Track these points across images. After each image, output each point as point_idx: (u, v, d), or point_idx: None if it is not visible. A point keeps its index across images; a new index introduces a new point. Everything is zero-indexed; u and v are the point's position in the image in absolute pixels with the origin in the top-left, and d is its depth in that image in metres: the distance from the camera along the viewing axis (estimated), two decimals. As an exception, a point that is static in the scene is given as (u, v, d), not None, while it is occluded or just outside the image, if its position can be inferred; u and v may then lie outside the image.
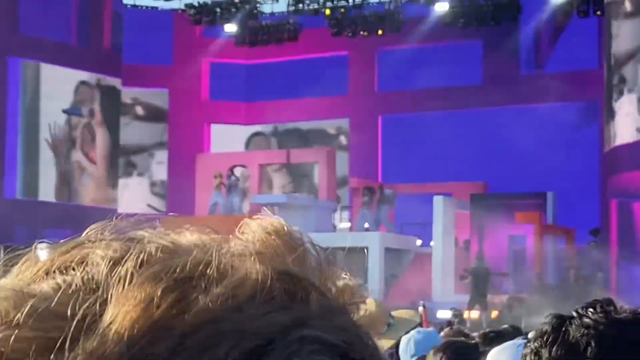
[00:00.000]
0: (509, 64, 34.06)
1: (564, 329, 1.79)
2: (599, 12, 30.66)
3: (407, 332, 4.77)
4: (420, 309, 10.55)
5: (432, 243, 29.20)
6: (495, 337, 6.25)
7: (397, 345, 4.83)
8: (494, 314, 25.17)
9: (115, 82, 34.64)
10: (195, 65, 38.37)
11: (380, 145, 36.79)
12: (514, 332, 7.33)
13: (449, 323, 17.83)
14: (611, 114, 27.21)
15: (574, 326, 1.79)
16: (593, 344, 1.74)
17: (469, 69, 34.53)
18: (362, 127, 36.29)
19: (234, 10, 34.90)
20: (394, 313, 4.84)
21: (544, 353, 1.78)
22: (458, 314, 24.47)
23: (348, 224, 31.43)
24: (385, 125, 36.74)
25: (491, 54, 34.33)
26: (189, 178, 34.95)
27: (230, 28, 35.59)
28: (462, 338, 5.66)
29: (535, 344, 1.81)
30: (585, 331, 1.77)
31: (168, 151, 38.04)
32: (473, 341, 5.28)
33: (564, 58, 33.19)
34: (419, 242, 30.61)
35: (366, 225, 30.44)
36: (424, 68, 34.62)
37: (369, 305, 2.95)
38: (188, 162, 36.00)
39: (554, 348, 1.77)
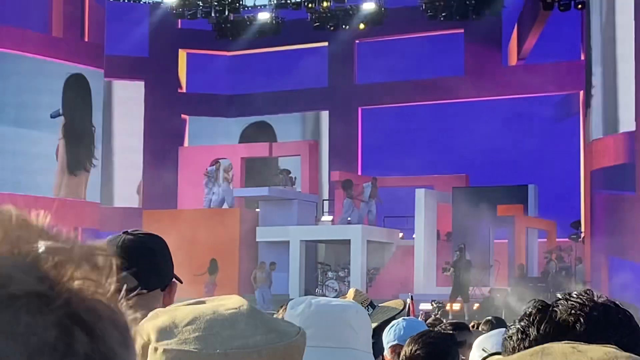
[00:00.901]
0: (491, 54, 33.95)
1: (550, 309, 1.83)
2: (580, 6, 30.78)
3: (389, 319, 4.80)
4: (408, 300, 10.58)
5: (414, 236, 29.30)
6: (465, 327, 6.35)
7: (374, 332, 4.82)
8: (476, 305, 25.32)
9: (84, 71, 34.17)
10: (172, 56, 37.79)
11: (360, 137, 36.60)
12: (498, 323, 7.44)
13: (427, 315, 17.94)
14: (591, 105, 27.30)
15: (560, 307, 1.83)
16: (582, 320, 1.79)
17: (450, 60, 34.29)
18: (341, 119, 36.10)
19: (215, 3, 34.83)
20: (381, 305, 4.87)
21: (532, 331, 1.81)
22: (440, 306, 24.62)
23: (330, 217, 31.47)
24: (365, 118, 36.57)
25: (473, 44, 34.18)
26: (166, 171, 34.58)
27: (212, 21, 35.49)
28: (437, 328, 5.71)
29: (522, 324, 1.84)
30: (573, 311, 1.81)
31: (143, 143, 37.07)
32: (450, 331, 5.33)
33: (547, 49, 33.04)
34: (401, 234, 30.72)
35: (348, 218, 30.52)
36: (405, 59, 34.41)
37: (349, 294, 3.05)
38: (164, 154, 35.74)
39: (542, 325, 1.80)
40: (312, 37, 35.36)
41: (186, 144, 37.81)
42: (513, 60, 34.68)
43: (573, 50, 31.78)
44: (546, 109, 33.19)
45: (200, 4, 34.89)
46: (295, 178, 31.54)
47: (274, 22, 34.98)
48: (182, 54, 38.44)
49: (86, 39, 34.53)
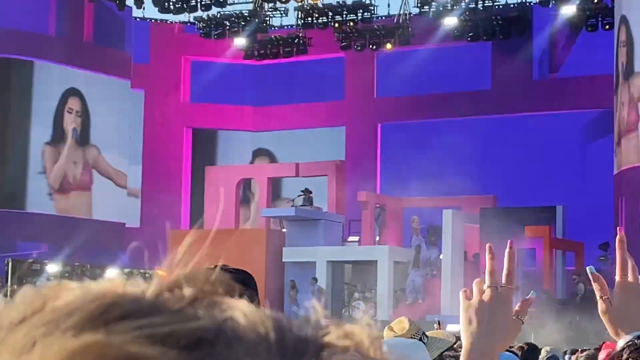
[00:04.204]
0: (520, 67, 32.74)
1: None
2: (607, 27, 30.59)
3: (441, 352, 4.67)
4: (436, 325, 10.46)
5: (441, 256, 29.12)
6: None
7: None
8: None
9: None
10: (173, 64, 36.44)
11: (379, 155, 35.55)
12: (531, 349, 7.34)
13: (457, 337, 17.73)
14: (621, 130, 27.02)
15: None
16: None
17: (477, 73, 33.16)
18: (359, 136, 35.07)
19: (243, 23, 34.94)
20: (427, 334, 4.74)
21: None
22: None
23: (357, 238, 31.33)
24: (385, 134, 35.53)
25: (501, 56, 32.96)
26: (165, 186, 34.12)
27: (240, 41, 35.52)
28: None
29: None
30: None
31: (142, 158, 35.68)
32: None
33: (582, 61, 31.78)
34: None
35: (377, 238, 30.40)
36: (428, 71, 33.20)
37: (402, 324, 2.97)
38: (165, 170, 35.02)
39: None
40: (329, 47, 34.29)
41: (189, 157, 36.68)
42: (545, 73, 33.56)
43: (610, 63, 29.38)
44: (579, 126, 32.52)
45: (227, 24, 35.00)
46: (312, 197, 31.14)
47: (301, 41, 34.95)
48: (185, 61, 37.17)
49: (119, 49, 34.49)
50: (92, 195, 33.96)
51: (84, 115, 33.84)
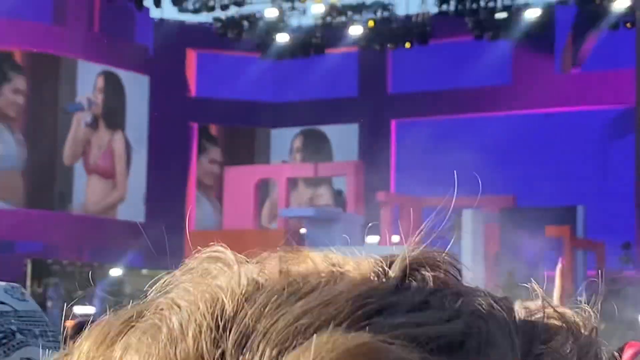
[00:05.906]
0: (542, 60, 32.10)
1: None
2: (628, 25, 30.30)
3: None
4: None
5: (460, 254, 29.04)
6: None
7: None
8: (524, 328, 24.98)
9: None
10: (179, 55, 35.55)
11: (393, 153, 34.94)
12: None
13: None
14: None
15: None
16: None
17: (496, 67, 32.30)
18: (372, 133, 34.37)
19: (261, 23, 34.87)
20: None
21: None
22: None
23: (377, 238, 31.19)
24: (400, 131, 34.98)
25: (522, 49, 32.14)
26: (173, 185, 33.57)
27: (258, 42, 35.42)
28: None
29: None
30: None
31: (148, 153, 34.32)
32: None
33: (608, 54, 30.99)
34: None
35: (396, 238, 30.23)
36: (444, 65, 32.62)
37: None
38: (171, 166, 34.17)
39: None
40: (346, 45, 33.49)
41: (194, 153, 36.00)
42: (568, 67, 32.73)
43: (633, 58, 28.18)
44: (600, 123, 32.09)
45: (246, 24, 34.92)
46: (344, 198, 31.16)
47: (319, 42, 34.82)
48: (191, 54, 36.32)
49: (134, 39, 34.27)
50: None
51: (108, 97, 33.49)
